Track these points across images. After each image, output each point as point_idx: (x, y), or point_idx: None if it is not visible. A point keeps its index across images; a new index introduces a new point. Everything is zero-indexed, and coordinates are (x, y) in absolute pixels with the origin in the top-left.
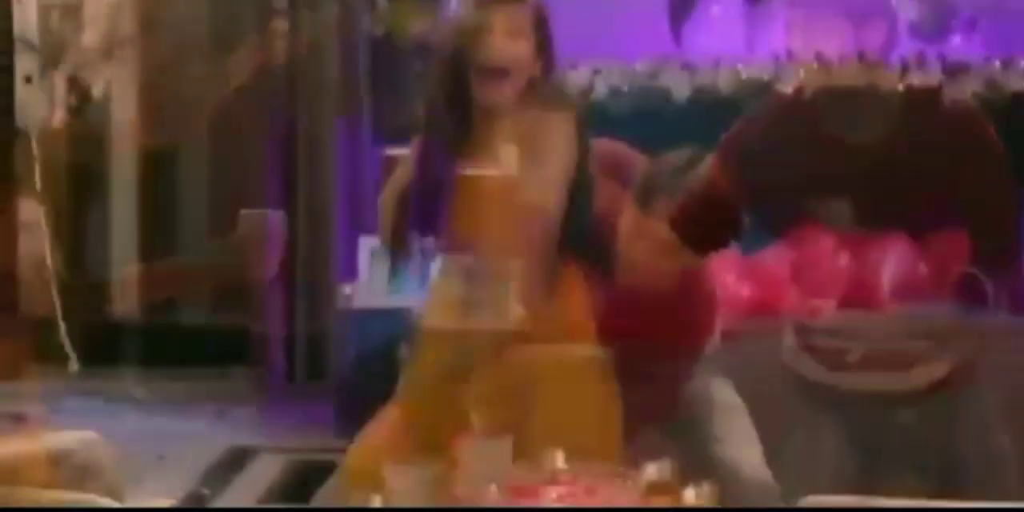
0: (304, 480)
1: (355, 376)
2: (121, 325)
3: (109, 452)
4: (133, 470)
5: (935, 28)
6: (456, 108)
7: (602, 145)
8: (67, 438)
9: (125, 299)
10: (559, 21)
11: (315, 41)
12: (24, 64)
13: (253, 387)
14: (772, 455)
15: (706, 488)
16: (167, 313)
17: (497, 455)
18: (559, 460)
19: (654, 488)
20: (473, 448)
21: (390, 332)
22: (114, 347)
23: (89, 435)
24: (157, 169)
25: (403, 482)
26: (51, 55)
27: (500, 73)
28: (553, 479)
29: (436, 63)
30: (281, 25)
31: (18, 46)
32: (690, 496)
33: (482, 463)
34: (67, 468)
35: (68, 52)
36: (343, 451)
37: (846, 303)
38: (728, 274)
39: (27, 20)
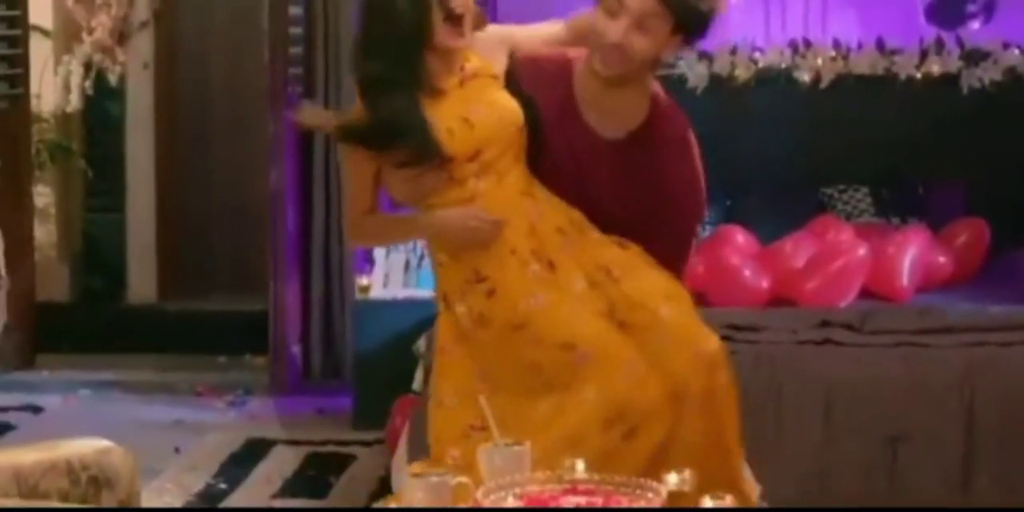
0: (322, 472)
1: (372, 367)
2: (137, 311)
3: (127, 461)
4: (149, 462)
5: (952, 14)
6: (416, 54)
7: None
8: (84, 448)
9: (141, 285)
10: (578, 10)
11: (333, 32)
12: (38, 50)
13: (270, 377)
14: None
15: (728, 499)
16: (183, 299)
17: (515, 462)
18: (579, 469)
19: (675, 498)
20: (491, 455)
21: (407, 323)
22: (130, 333)
23: (105, 444)
24: (176, 155)
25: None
26: (65, 41)
27: (461, 19)
28: (572, 489)
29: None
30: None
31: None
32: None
33: (500, 470)
34: (84, 479)
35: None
36: (360, 443)
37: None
38: (746, 265)
39: (41, 6)
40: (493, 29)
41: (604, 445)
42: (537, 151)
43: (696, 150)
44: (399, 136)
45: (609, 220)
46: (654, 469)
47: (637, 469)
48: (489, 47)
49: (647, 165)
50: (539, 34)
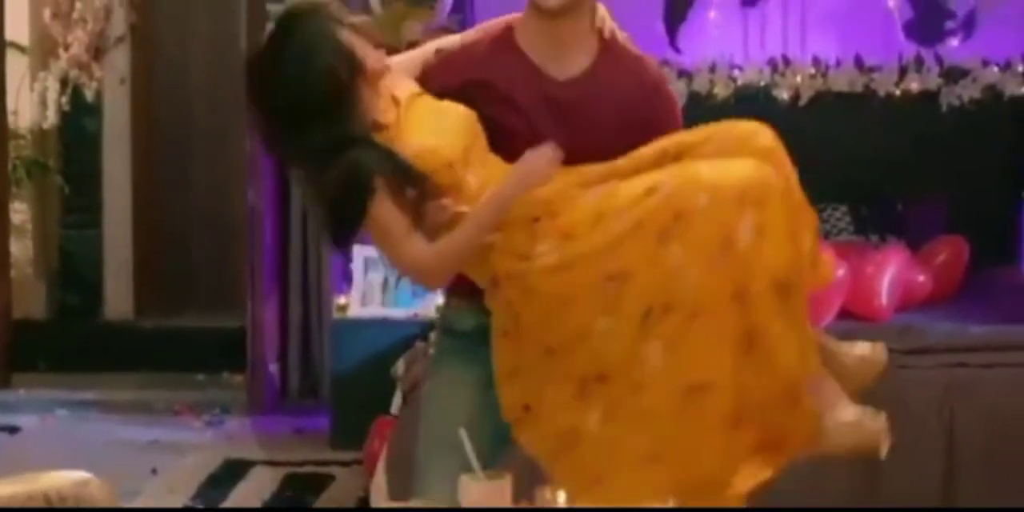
0: (300, 493)
1: (349, 387)
2: (114, 328)
3: (104, 491)
4: (127, 484)
5: (931, 31)
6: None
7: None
8: (61, 480)
9: (118, 301)
10: None
11: None
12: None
13: (247, 396)
14: None
15: None
16: (161, 316)
17: (497, 495)
18: (560, 499)
19: None
20: (472, 487)
21: (385, 343)
22: (107, 350)
23: (83, 476)
24: (153, 171)
25: None
26: (42, 57)
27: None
28: None
29: None
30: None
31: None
32: None
33: (481, 502)
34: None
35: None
36: (338, 463)
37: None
38: None
39: (17, 22)
40: None
41: None
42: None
43: (677, 106)
44: (374, 177)
45: None
46: None
47: None
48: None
49: (620, 104)
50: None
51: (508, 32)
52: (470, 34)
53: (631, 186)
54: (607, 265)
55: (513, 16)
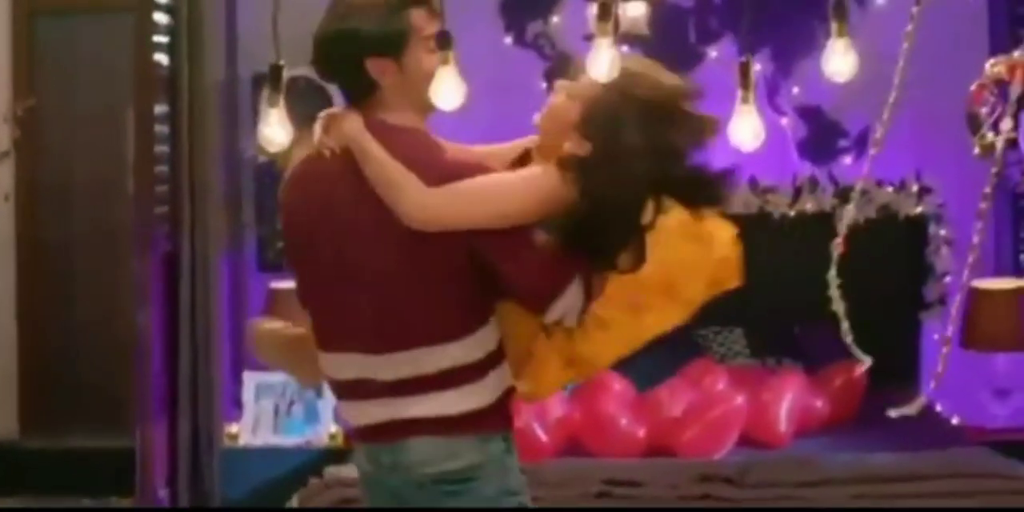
0: None
1: None
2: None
3: None
4: None
5: (824, 150)
6: None
7: None
8: None
9: (1, 421)
10: (472, 118)
11: (198, 169)
12: None
13: None
14: None
15: None
16: (46, 437)
17: None
18: None
19: None
20: None
21: (278, 471)
22: None
23: None
24: (38, 289)
25: None
26: None
27: None
28: None
29: None
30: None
31: None
32: None
33: None
34: None
35: None
36: None
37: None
38: (623, 414)
39: None
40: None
41: None
42: None
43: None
44: None
45: None
46: None
47: None
48: None
49: None
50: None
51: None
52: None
53: None
54: None
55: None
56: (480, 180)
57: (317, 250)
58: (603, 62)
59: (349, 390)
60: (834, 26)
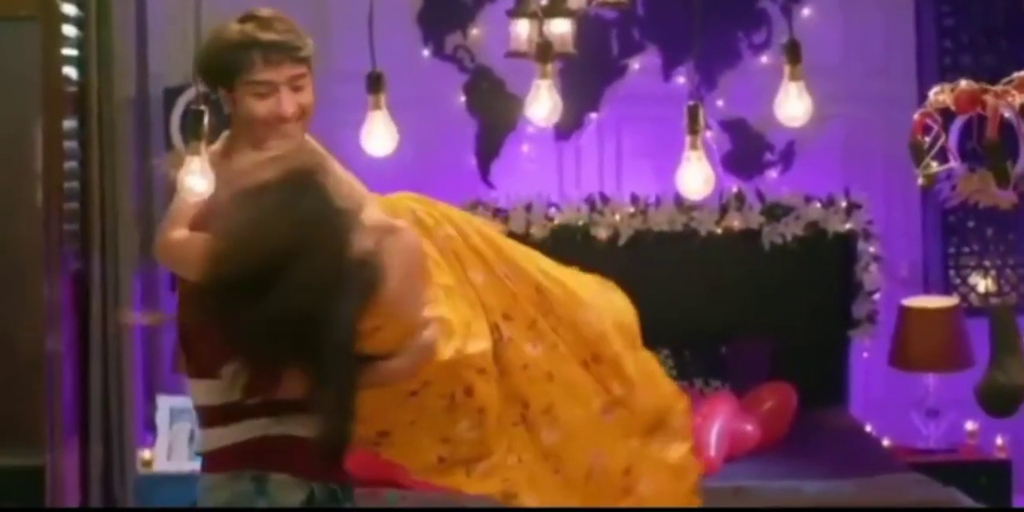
0: None
1: None
2: None
3: None
4: None
5: (750, 163)
6: None
7: None
8: None
9: None
10: (374, 161)
11: (108, 186)
12: None
13: None
14: None
15: None
16: None
17: None
18: None
19: None
20: None
21: (191, 500)
22: None
23: None
24: None
25: None
26: None
27: None
28: None
29: None
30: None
31: None
32: None
33: None
34: None
35: None
36: None
37: None
38: None
39: None
40: None
41: None
42: None
43: None
44: None
45: None
46: None
47: None
48: None
49: None
50: None
51: None
52: None
53: None
54: None
55: None
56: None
57: None
58: (543, 105)
59: None
60: (787, 69)
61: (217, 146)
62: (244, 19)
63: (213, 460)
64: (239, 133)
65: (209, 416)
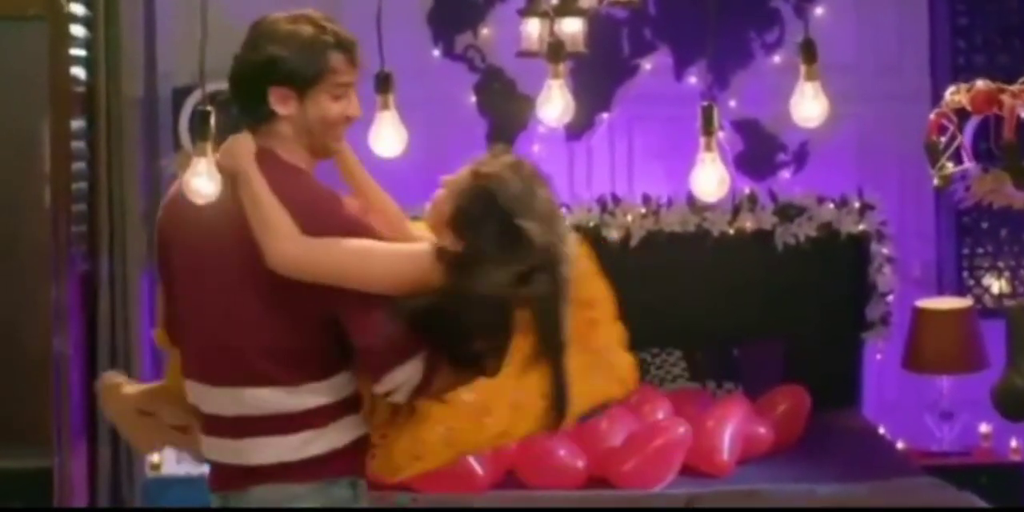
0: None
1: None
2: None
3: None
4: None
5: (762, 164)
6: None
7: None
8: None
9: None
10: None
11: (116, 186)
12: None
13: None
14: None
15: None
16: None
17: None
18: None
19: None
20: None
21: (202, 501)
22: None
23: None
24: None
25: None
26: None
27: None
28: None
29: None
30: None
31: None
32: None
33: None
34: None
35: None
36: None
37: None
38: (561, 444)
39: None
40: None
41: None
42: None
43: None
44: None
45: None
46: None
47: None
48: None
49: None
50: None
51: None
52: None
53: None
54: None
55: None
56: (356, 243)
57: (181, 267)
58: (555, 106)
59: (202, 423)
60: (803, 69)
61: (252, 146)
62: (298, 19)
63: (305, 467)
64: (287, 134)
65: (316, 416)
